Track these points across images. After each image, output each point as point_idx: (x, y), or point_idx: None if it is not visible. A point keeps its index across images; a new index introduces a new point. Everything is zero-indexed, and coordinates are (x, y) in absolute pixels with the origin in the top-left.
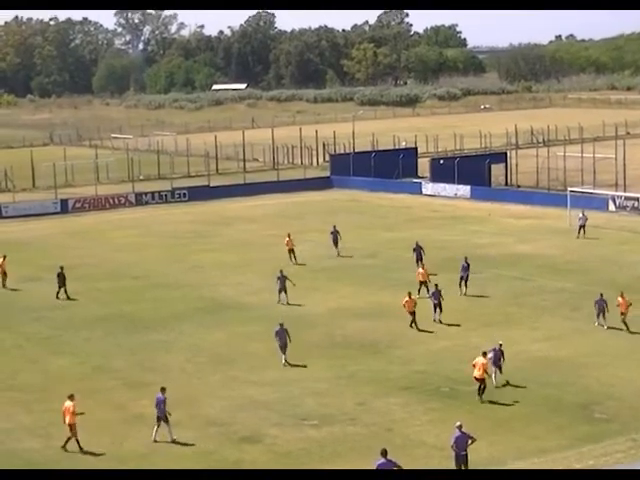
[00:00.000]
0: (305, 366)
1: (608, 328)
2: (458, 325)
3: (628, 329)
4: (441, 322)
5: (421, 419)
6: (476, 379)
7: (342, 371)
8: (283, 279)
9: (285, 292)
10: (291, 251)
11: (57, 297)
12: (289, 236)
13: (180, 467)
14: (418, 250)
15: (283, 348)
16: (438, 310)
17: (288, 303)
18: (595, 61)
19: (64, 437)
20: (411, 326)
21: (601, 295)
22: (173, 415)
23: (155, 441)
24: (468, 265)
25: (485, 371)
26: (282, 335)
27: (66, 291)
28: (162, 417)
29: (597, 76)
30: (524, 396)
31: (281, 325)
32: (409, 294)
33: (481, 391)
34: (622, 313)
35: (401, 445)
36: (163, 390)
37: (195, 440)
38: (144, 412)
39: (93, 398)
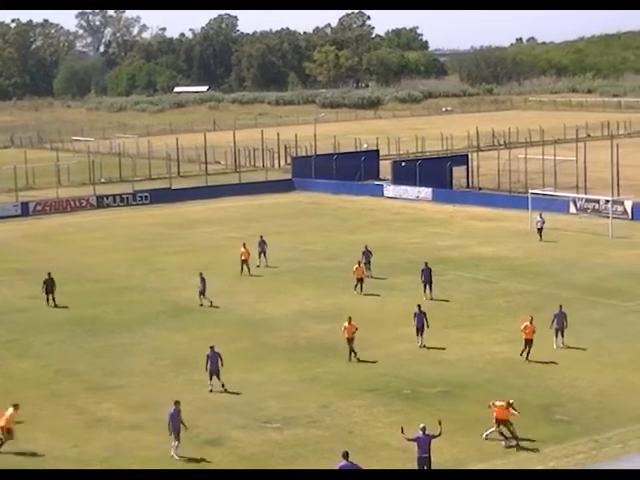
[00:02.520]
0: (266, 369)
1: (568, 348)
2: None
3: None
4: (425, 347)
5: (383, 421)
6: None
7: (305, 374)
8: (203, 281)
9: (204, 294)
10: (244, 262)
11: (49, 305)
12: (244, 246)
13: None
14: (367, 254)
15: (214, 373)
16: (420, 334)
17: (211, 304)
18: (556, 64)
19: (27, 441)
20: (350, 358)
21: (560, 307)
22: (137, 418)
23: (175, 456)
24: (429, 269)
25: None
26: (214, 359)
27: (54, 298)
28: (174, 431)
29: (558, 79)
30: (486, 398)
31: (212, 348)
32: (349, 319)
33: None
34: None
35: (363, 447)
36: (177, 403)
37: (158, 443)
38: (106, 415)
39: (55, 401)
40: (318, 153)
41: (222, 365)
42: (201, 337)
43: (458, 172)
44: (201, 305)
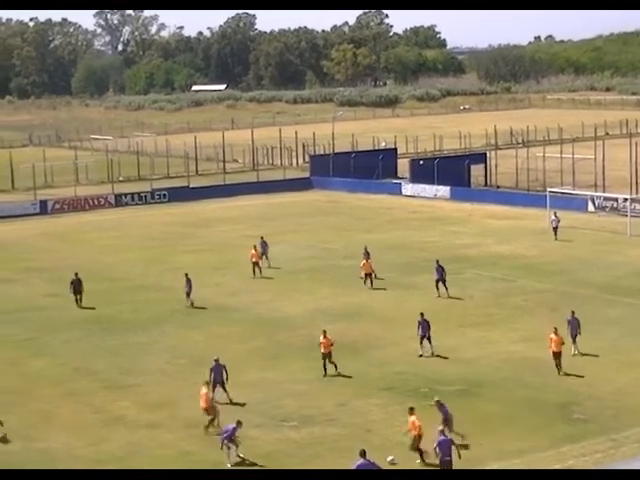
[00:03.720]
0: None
1: (583, 355)
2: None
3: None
4: (434, 354)
5: (400, 420)
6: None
7: (321, 372)
8: (189, 282)
9: (189, 295)
10: (256, 264)
11: (78, 305)
12: (255, 248)
13: (160, 468)
14: (366, 255)
15: (219, 384)
16: (427, 343)
17: (192, 305)
18: (574, 62)
19: (45, 439)
20: (325, 374)
21: (572, 313)
22: (154, 416)
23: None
24: (441, 267)
25: (419, 433)
26: (217, 372)
27: (80, 299)
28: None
29: (576, 77)
30: (503, 397)
31: (216, 361)
32: (324, 332)
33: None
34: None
35: (380, 446)
36: (239, 424)
37: (175, 442)
38: (123, 414)
39: (72, 400)
40: (336, 151)
41: (227, 378)
42: (218, 335)
43: (476, 170)
44: (191, 305)
